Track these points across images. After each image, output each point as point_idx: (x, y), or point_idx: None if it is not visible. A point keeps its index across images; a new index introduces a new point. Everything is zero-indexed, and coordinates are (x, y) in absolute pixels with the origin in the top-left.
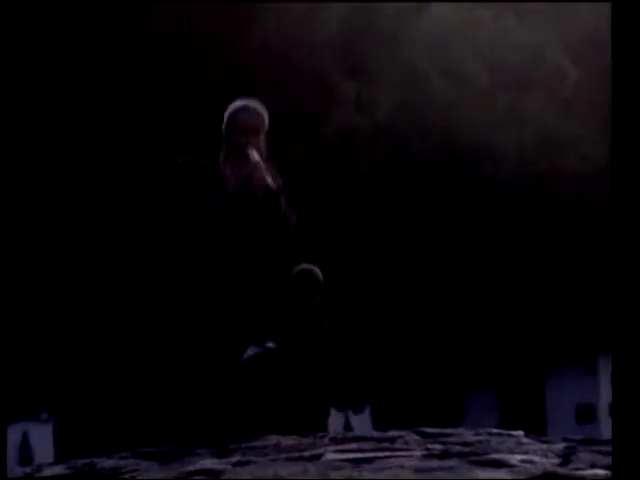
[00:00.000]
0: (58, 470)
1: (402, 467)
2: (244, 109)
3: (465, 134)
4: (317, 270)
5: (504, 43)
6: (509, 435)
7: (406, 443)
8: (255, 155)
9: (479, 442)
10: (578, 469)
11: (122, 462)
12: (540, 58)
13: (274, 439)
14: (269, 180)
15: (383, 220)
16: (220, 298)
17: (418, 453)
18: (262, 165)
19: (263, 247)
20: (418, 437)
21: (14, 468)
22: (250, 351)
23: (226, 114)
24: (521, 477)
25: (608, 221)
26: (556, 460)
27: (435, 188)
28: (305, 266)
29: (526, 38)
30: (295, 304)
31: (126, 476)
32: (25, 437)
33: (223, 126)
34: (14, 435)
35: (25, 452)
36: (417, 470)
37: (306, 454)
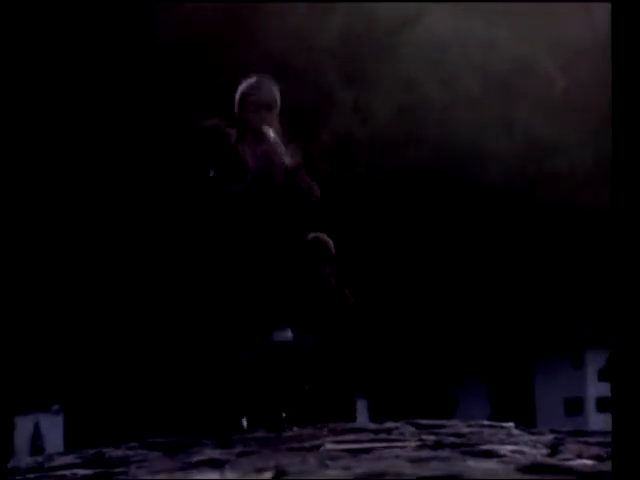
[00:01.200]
0: (68, 460)
1: (398, 457)
2: (256, 86)
3: (458, 139)
4: (327, 239)
5: (495, 52)
6: (500, 427)
7: (402, 434)
8: (271, 134)
9: (471, 433)
10: (566, 459)
11: (130, 452)
12: (529, 66)
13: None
14: (287, 160)
15: (379, 220)
16: (243, 283)
17: (413, 444)
18: (279, 145)
19: (287, 226)
20: (413, 429)
21: (26, 457)
22: (281, 336)
23: (238, 92)
24: (511, 467)
25: (609, 222)
26: (545, 451)
27: (429, 190)
28: (315, 235)
29: (516, 47)
30: (306, 273)
31: (134, 465)
32: (37, 427)
33: (235, 104)
34: (26, 426)
35: (37, 442)
36: (412, 460)
37: (306, 445)
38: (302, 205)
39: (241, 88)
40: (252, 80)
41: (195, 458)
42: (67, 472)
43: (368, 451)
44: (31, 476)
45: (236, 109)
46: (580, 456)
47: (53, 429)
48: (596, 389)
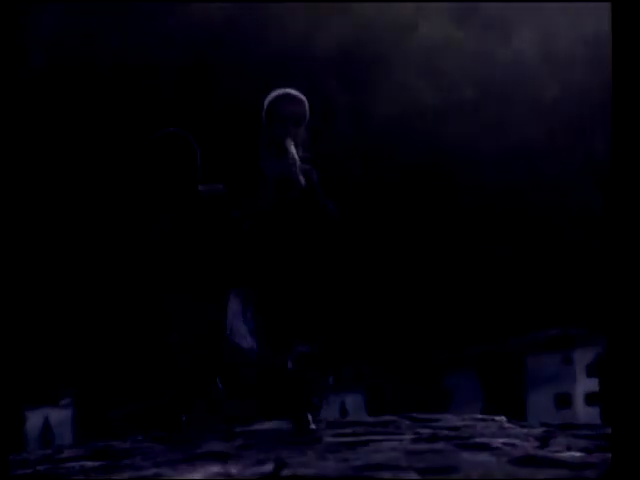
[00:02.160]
0: (77, 452)
1: (394, 450)
2: (284, 97)
3: (453, 142)
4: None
5: (488, 59)
6: (492, 420)
7: (398, 427)
8: (292, 150)
9: (465, 427)
10: (555, 452)
11: (136, 445)
12: (521, 72)
13: (275, 424)
14: (301, 179)
15: (376, 219)
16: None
17: (409, 437)
18: (297, 162)
19: (302, 242)
20: (409, 422)
21: (36, 450)
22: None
23: (265, 103)
24: (504, 459)
25: (603, 222)
26: (535, 443)
27: (425, 191)
28: None
29: (508, 54)
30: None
31: (139, 457)
32: (46, 421)
33: (263, 115)
34: (36, 419)
35: (46, 435)
36: (408, 452)
37: (305, 438)
38: (316, 224)
39: (269, 99)
40: (281, 92)
41: (198, 450)
42: (75, 464)
43: (365, 444)
44: (41, 468)
45: (263, 121)
46: (569, 448)
47: (62, 422)
48: (585, 385)
